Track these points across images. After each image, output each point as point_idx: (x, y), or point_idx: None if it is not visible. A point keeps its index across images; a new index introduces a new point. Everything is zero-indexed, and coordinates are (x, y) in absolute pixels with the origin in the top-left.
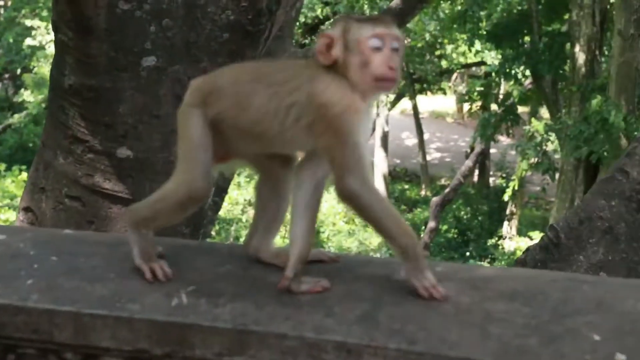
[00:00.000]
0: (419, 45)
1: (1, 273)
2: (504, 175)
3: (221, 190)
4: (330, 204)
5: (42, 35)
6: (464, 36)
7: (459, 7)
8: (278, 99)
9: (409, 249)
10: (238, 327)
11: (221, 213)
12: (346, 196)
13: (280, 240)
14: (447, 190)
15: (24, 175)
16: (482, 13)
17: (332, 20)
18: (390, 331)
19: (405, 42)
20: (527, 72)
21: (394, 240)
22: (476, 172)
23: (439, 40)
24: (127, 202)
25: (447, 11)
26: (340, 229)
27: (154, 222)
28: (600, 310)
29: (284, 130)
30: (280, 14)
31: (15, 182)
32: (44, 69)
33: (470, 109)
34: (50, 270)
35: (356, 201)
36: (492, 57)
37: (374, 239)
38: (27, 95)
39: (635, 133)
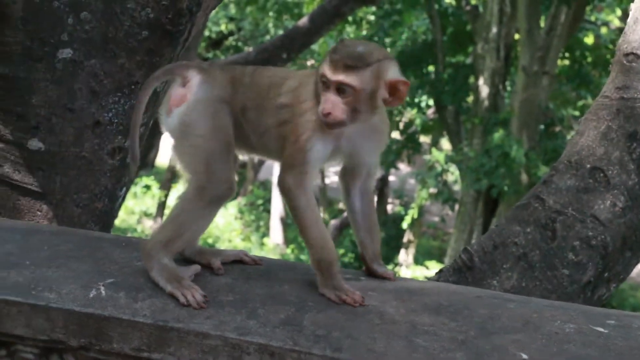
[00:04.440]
0: None
1: None
2: (402, 203)
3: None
4: (227, 221)
5: None
6: None
7: (365, 32)
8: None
9: (323, 264)
10: (158, 323)
11: (117, 222)
12: (282, 190)
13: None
14: (345, 214)
15: None
16: (386, 40)
17: (235, 36)
18: (314, 337)
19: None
20: (431, 102)
21: (313, 250)
22: (375, 198)
23: None
24: (36, 195)
25: (352, 35)
26: (236, 245)
27: (180, 239)
28: (528, 329)
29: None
30: (200, 16)
31: None
32: None
33: None
34: None
35: (288, 198)
36: None
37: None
38: None
39: (536, 169)
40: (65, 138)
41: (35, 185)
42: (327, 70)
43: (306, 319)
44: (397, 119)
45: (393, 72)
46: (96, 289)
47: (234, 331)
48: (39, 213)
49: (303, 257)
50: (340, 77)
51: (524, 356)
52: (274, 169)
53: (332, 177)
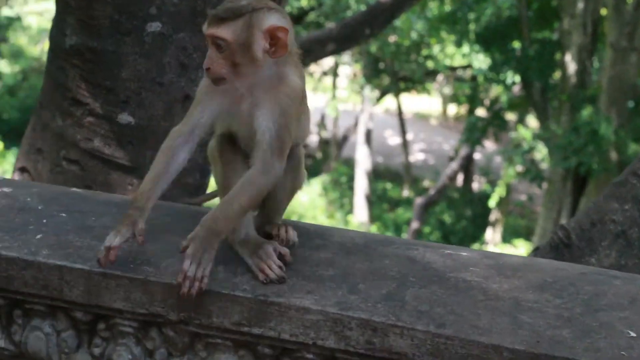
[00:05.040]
0: (406, 43)
1: (9, 225)
2: (488, 180)
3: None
4: (311, 198)
5: (20, 6)
6: (452, 37)
7: (448, 7)
8: None
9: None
10: (258, 297)
11: None
12: None
13: None
14: (431, 191)
15: None
16: (470, 15)
17: (316, 11)
18: (417, 312)
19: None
20: (517, 78)
21: None
22: (460, 176)
23: (426, 40)
24: (126, 170)
25: (435, 11)
26: (322, 223)
27: (238, 222)
28: (635, 307)
29: None
30: None
31: None
32: (21, 40)
33: (458, 112)
34: (59, 227)
35: None
36: (480, 61)
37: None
38: (3, 66)
39: (626, 147)
40: (155, 112)
41: (125, 160)
42: (204, 26)
43: (408, 294)
44: (483, 95)
45: (271, 20)
46: None
47: (336, 306)
48: (129, 187)
49: (389, 234)
50: (212, 30)
51: (632, 334)
52: (358, 145)
53: (416, 154)
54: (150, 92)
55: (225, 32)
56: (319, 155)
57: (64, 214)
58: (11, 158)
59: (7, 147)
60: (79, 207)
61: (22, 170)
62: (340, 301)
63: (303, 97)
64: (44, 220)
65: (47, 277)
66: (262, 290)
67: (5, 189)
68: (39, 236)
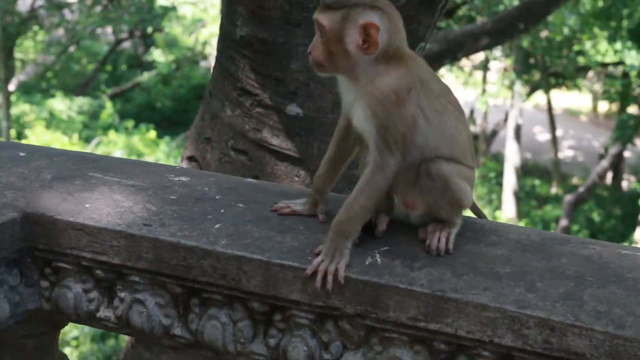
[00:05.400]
0: (557, 38)
1: (188, 215)
2: (639, 179)
3: None
4: None
5: None
6: (605, 33)
7: (601, 3)
8: None
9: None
10: (436, 293)
11: None
12: None
13: None
14: (581, 189)
15: (152, 133)
16: (624, 11)
17: (468, 5)
18: (596, 312)
19: (543, 34)
20: None
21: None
22: (609, 174)
23: (577, 36)
24: (294, 161)
25: (587, 6)
26: None
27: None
28: None
29: None
30: None
31: (142, 140)
32: (175, 30)
33: (609, 109)
34: (237, 217)
35: None
36: (632, 58)
37: None
38: (157, 55)
39: None
40: (323, 104)
41: (293, 151)
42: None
43: (586, 294)
44: (635, 92)
45: (368, 16)
46: (372, 256)
47: (513, 304)
48: (296, 178)
49: None
50: (316, 15)
51: None
52: (507, 141)
53: (565, 151)
54: (319, 84)
55: (324, 18)
56: None
57: (241, 204)
58: (163, 146)
59: (159, 135)
60: (254, 197)
61: (190, 159)
62: (518, 299)
63: (399, 98)
64: (222, 210)
65: (225, 266)
66: (439, 286)
67: (184, 178)
68: (217, 226)
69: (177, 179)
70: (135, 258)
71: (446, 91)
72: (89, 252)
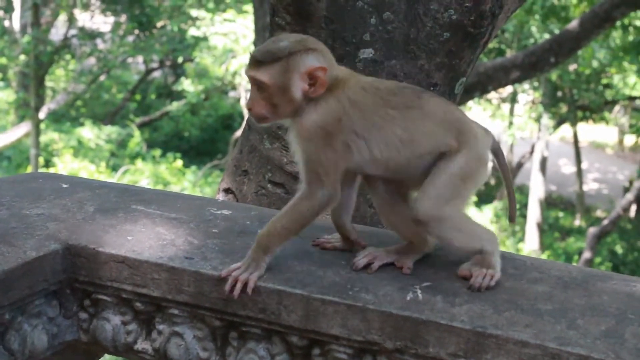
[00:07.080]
0: (586, 72)
1: (229, 248)
2: None
3: None
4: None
5: (207, 27)
6: (634, 67)
7: (632, 37)
8: None
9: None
10: (476, 329)
11: None
12: None
13: None
14: (605, 221)
15: (179, 162)
16: None
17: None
18: (637, 350)
19: (572, 68)
20: None
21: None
22: (634, 207)
23: (607, 69)
24: None
25: (618, 40)
26: None
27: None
28: None
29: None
30: (501, 18)
31: (169, 168)
32: (206, 60)
33: (636, 142)
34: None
35: None
36: None
37: None
38: (187, 85)
39: None
40: None
41: None
42: (246, 67)
43: (627, 331)
44: None
45: (309, 61)
46: (413, 291)
47: (554, 341)
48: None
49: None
50: (251, 72)
51: None
52: (532, 173)
53: (590, 183)
54: None
55: (262, 74)
56: (492, 181)
57: None
58: (190, 176)
59: (186, 164)
60: None
61: (227, 191)
62: (559, 336)
63: (326, 133)
64: None
65: (265, 300)
66: (480, 322)
67: (225, 212)
68: None
69: (219, 212)
70: (175, 291)
71: (388, 95)
72: (129, 284)
